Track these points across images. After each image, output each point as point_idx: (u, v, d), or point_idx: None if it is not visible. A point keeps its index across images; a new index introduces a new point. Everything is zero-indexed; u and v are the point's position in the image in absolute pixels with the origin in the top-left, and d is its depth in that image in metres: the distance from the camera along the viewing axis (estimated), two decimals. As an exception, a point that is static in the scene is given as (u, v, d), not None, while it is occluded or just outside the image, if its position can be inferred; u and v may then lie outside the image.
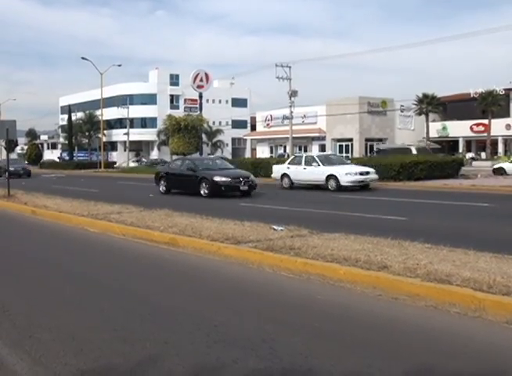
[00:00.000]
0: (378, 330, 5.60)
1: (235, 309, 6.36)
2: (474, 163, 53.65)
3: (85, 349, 5.05)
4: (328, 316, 6.12)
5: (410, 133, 69.70)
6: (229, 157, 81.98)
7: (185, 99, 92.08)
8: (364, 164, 29.59)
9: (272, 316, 6.06)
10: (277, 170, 30.22)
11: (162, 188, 26.88)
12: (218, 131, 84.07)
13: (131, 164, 78.21)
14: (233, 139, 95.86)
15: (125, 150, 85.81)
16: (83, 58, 64.22)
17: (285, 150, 71.60)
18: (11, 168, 30.21)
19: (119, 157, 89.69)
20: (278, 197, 23.53)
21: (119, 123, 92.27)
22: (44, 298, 7.07)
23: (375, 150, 51.86)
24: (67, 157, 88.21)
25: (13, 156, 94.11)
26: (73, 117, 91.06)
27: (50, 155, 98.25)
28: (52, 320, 5.98)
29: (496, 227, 13.11)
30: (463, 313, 6.01)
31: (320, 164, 27.50)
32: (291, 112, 55.22)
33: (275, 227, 11.32)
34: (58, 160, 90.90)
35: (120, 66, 69.38)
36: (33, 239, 12.78)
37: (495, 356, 4.91)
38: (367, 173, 26.90)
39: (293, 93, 54.80)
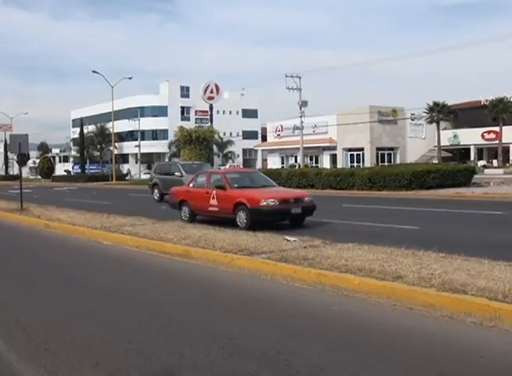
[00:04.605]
0: (394, 341, 5.57)
1: (249, 321, 6.36)
2: (486, 171, 53.35)
3: (101, 362, 5.05)
4: (343, 326, 6.10)
5: (421, 142, 69.60)
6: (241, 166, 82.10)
7: (195, 111, 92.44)
8: (376, 173, 29.81)
9: (287, 328, 6.04)
10: None
11: None
12: (229, 143, 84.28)
13: (143, 176, 78.42)
14: (244, 150, 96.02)
15: (137, 162, 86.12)
16: (94, 71, 64.63)
17: (296, 161, 71.61)
18: None
19: (131, 169, 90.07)
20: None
21: (130, 135, 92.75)
22: (59, 311, 7.08)
23: None
24: (79, 170, 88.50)
25: (25, 169, 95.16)
26: (85, 130, 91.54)
27: (62, 168, 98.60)
28: (67, 333, 5.99)
29: (510, 235, 13.02)
30: (478, 323, 5.98)
31: None
32: (302, 122, 55.26)
33: (288, 238, 11.31)
34: (65, 173, 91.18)
35: (131, 78, 69.76)
36: (46, 252, 12.82)
37: (511, 365, 4.87)
38: None
39: (304, 103, 54.91)
